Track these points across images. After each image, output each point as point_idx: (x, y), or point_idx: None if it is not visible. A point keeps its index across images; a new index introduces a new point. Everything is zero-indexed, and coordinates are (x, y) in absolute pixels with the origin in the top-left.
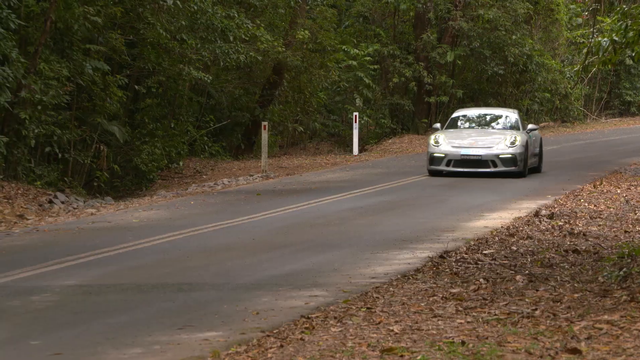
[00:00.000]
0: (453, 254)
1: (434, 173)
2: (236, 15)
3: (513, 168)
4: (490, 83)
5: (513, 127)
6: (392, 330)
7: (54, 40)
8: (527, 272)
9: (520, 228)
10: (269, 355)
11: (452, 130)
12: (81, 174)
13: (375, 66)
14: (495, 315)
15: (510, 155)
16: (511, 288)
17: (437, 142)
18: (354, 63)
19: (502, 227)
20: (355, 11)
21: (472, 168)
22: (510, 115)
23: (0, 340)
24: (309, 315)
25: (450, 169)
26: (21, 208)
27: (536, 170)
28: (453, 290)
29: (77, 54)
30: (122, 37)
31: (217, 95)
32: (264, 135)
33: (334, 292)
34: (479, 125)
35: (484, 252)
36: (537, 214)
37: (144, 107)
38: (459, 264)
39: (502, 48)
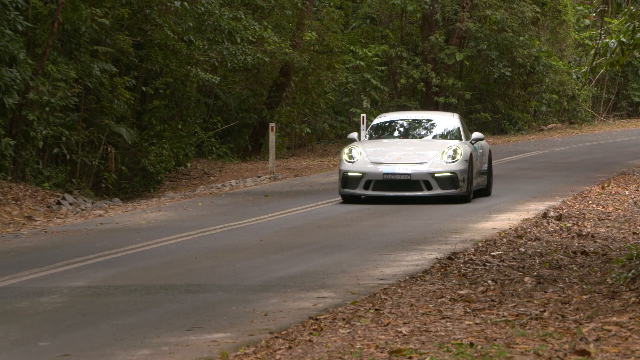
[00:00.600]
0: (461, 256)
1: (348, 198)
2: (243, 16)
3: (453, 190)
4: (497, 84)
5: (453, 136)
6: (401, 332)
7: (61, 42)
8: (535, 273)
9: (528, 229)
10: (277, 356)
11: (372, 141)
12: (89, 175)
13: (383, 67)
14: (504, 316)
15: (449, 174)
16: (519, 290)
17: (351, 157)
18: (362, 64)
19: (510, 228)
20: (362, 12)
21: (399, 191)
22: (450, 120)
23: (10, 342)
24: (317, 317)
25: (370, 192)
26: (29, 209)
27: (484, 193)
28: (461, 292)
29: (85, 55)
30: (129, 39)
31: (224, 96)
32: (272, 136)
33: (342, 293)
34: (408, 135)
35: (492, 253)
36: (545, 215)
37: (152, 108)
38: (467, 265)
39: (509, 49)
